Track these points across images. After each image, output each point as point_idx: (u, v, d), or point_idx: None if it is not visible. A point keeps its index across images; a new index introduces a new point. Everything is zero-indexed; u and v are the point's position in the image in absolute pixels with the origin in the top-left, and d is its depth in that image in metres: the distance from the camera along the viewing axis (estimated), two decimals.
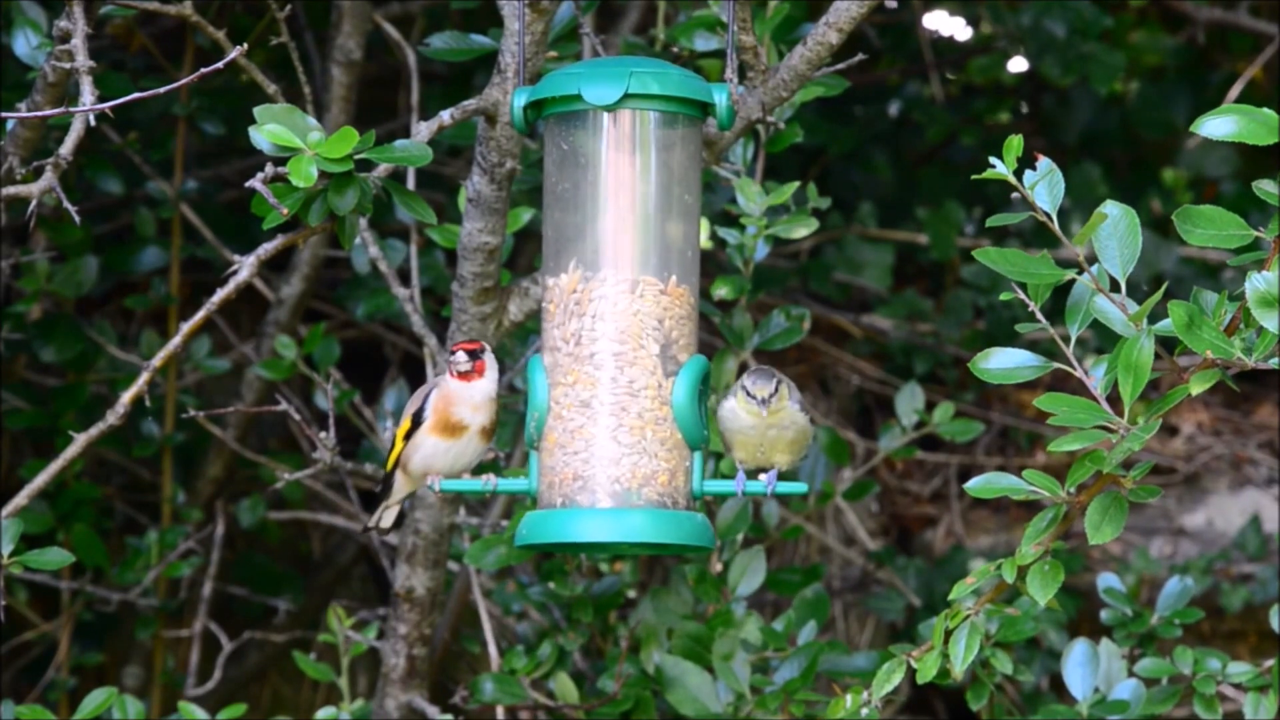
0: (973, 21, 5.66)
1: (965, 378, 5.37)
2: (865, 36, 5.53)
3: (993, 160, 2.90)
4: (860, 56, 3.76)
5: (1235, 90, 5.43)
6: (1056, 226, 2.90)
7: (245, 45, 3.32)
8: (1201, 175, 5.61)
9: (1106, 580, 3.75)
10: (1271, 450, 5.31)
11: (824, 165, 5.55)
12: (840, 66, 3.75)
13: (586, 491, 3.15)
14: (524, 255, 4.48)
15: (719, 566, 3.87)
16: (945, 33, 5.67)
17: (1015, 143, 2.89)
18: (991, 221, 2.90)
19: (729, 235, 3.87)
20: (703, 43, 3.82)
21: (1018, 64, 5.54)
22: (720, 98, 3.18)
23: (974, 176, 2.93)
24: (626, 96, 3.13)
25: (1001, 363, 2.95)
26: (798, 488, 3.22)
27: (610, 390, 3.15)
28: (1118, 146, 5.72)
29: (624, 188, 3.17)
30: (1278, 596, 4.86)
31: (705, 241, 4.13)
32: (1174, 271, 5.35)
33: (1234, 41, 5.68)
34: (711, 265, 4.67)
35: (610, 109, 3.15)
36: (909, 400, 4.33)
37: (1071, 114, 5.68)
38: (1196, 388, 2.79)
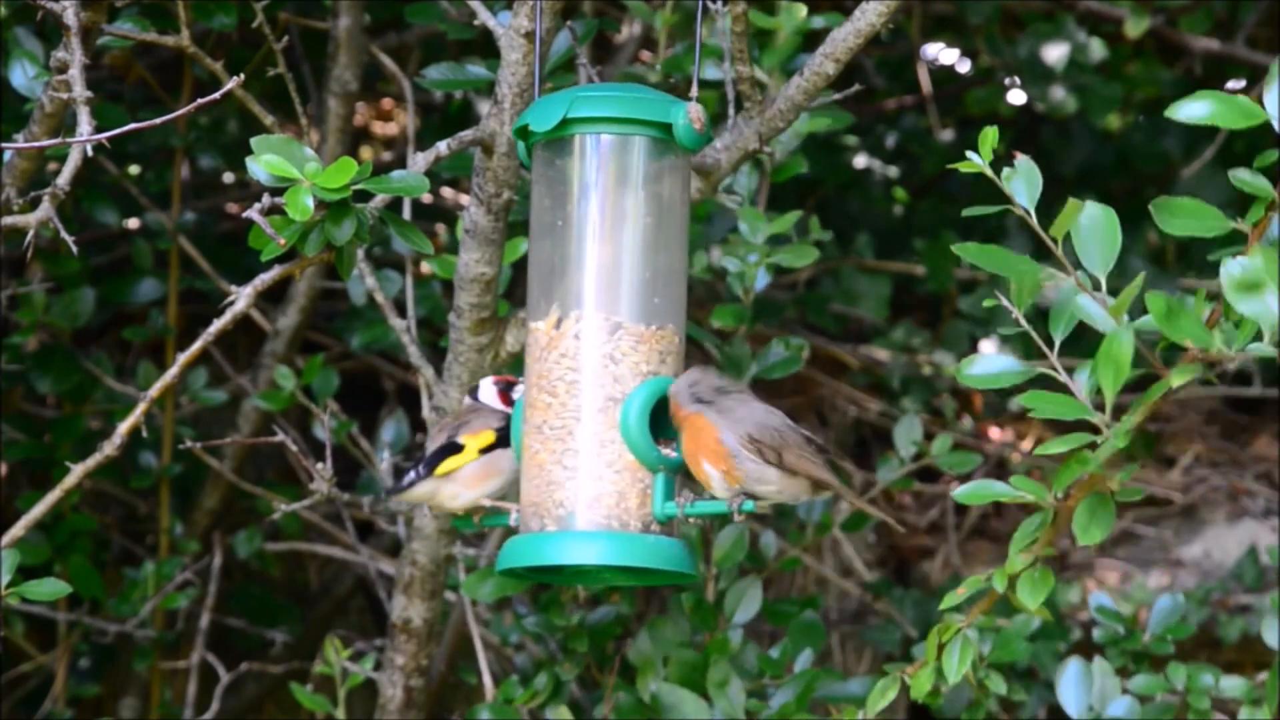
0: (970, 54, 5.67)
1: (963, 409, 5.36)
2: (863, 69, 5.54)
3: (970, 154, 2.90)
4: (857, 87, 3.77)
5: None
6: (1035, 221, 2.89)
7: (242, 75, 3.33)
8: None
9: (1098, 599, 3.74)
10: (1269, 482, 5.31)
11: (821, 196, 5.56)
12: (837, 97, 3.76)
13: (538, 518, 3.16)
14: (521, 286, 4.48)
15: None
16: (943, 62, 5.68)
17: (991, 134, 2.89)
18: (967, 213, 2.89)
19: (730, 264, 3.87)
20: (711, 70, 3.82)
21: (1016, 96, 5.55)
22: (678, 116, 3.13)
23: (949, 166, 2.93)
24: (566, 122, 3.13)
25: (985, 368, 2.95)
26: (716, 507, 3.19)
27: (559, 415, 3.15)
28: (1115, 178, 5.72)
29: (604, 216, 3.16)
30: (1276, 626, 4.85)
31: (702, 271, 4.13)
32: None
33: (1231, 73, 5.68)
34: (709, 294, 4.67)
35: (550, 135, 3.14)
36: (907, 432, 4.32)
37: (1070, 147, 5.68)
38: (1177, 380, 2.78)
